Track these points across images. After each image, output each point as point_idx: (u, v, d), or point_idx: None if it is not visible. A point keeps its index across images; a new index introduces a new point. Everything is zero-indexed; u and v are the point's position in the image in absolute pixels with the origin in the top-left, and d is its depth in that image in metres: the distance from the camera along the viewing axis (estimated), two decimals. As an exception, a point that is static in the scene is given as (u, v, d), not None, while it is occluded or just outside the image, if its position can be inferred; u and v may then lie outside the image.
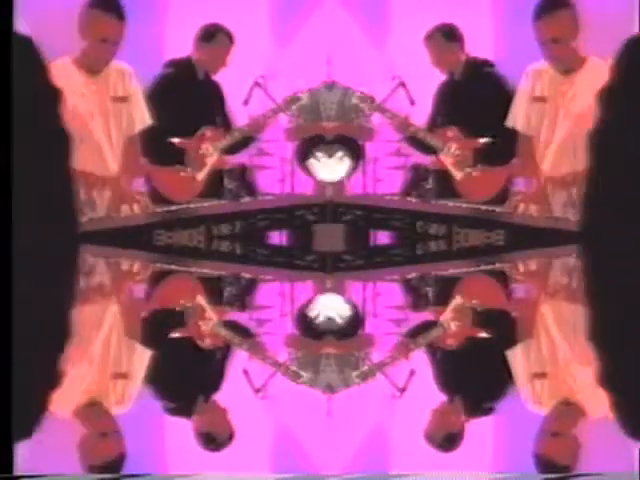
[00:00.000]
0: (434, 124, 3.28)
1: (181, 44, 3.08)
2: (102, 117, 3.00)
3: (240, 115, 3.08)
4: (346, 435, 2.49)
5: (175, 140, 3.00)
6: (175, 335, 2.76)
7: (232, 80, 3.11)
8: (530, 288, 3.23)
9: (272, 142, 3.04)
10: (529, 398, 2.67)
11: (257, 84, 3.03)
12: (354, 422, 2.55)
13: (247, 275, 3.04)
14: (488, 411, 2.65)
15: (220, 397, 2.70)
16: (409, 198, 3.13)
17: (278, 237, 3.01)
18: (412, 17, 3.33)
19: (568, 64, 3.46)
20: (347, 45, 3.17)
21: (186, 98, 3.05)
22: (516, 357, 2.83)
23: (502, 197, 3.26)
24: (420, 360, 2.87)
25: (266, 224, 2.97)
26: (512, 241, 3.27)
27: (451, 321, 3.01)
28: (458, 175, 3.19)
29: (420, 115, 3.30)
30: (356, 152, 3.13)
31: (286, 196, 2.98)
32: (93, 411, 2.52)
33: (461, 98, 3.31)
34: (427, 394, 2.73)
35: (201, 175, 3.01)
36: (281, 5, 3.24)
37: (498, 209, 3.23)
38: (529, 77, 3.39)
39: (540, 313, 3.07)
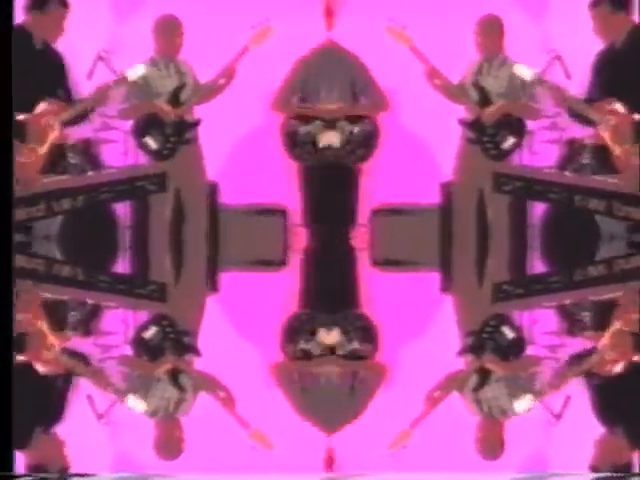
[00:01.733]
0: (593, 96, 3.12)
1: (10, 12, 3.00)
2: None
3: (83, 87, 3.06)
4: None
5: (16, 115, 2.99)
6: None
7: (74, 50, 3.06)
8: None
9: (114, 117, 3.06)
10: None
11: (100, 58, 3.04)
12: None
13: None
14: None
15: (61, 427, 2.95)
16: (565, 172, 3.08)
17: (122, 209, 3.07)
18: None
19: None
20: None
21: (24, 68, 3.03)
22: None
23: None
24: (575, 386, 3.00)
25: (109, 197, 3.05)
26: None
27: (610, 347, 3.03)
28: (617, 150, 3.07)
29: (577, 88, 3.16)
30: (519, 129, 3.08)
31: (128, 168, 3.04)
32: None
33: (622, 68, 3.13)
34: (585, 422, 2.93)
35: (42, 150, 3.02)
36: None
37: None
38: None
39: None
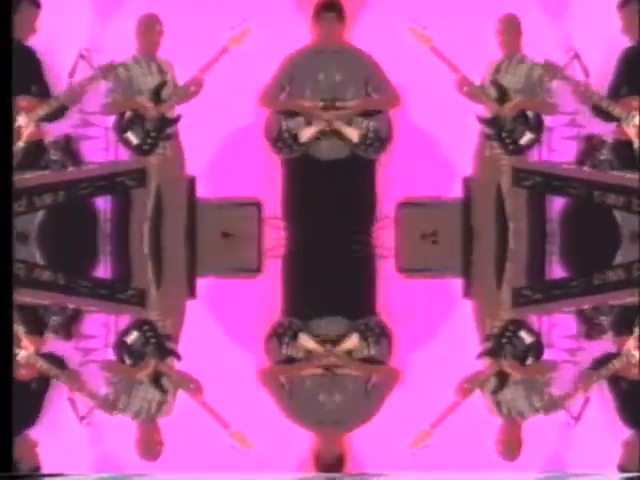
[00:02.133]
0: (617, 93, 3.14)
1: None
2: None
3: (59, 83, 3.08)
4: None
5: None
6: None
7: (52, 48, 3.08)
8: None
9: (94, 113, 3.10)
10: None
11: (82, 56, 3.07)
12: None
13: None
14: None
15: (36, 430, 3.03)
16: (584, 167, 3.10)
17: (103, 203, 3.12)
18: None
19: None
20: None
21: None
22: None
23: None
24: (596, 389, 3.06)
25: (89, 192, 3.10)
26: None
27: (634, 350, 3.05)
28: None
29: (599, 85, 3.19)
30: (537, 125, 3.12)
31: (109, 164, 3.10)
32: None
33: None
34: (604, 423, 2.99)
35: (17, 147, 3.04)
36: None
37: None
38: None
39: None
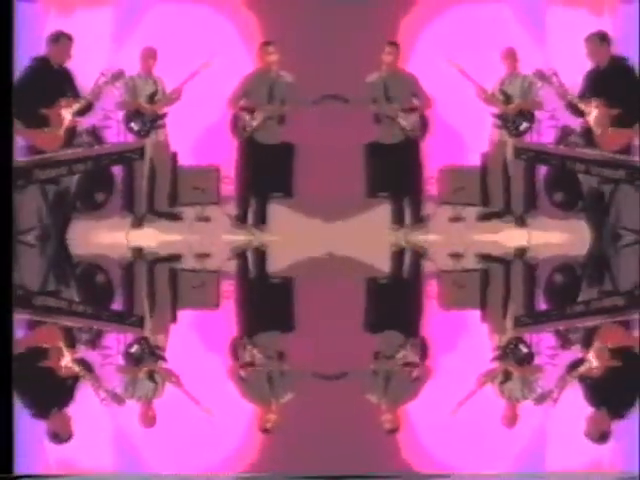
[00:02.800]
0: (583, 96, 4.23)
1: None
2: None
3: (86, 90, 4.15)
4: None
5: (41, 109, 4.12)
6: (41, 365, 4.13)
7: (80, 67, 4.14)
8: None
9: (110, 110, 4.16)
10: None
11: (102, 74, 4.10)
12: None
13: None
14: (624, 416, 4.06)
15: (70, 408, 4.06)
16: (560, 146, 4.24)
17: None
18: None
19: None
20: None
21: (46, 81, 4.12)
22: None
23: (628, 149, 4.27)
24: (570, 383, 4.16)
25: (107, 162, 4.16)
26: (631, 178, 4.27)
27: (594, 358, 4.18)
28: (598, 131, 4.22)
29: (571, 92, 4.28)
30: (531, 118, 4.26)
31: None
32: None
33: (603, 81, 4.26)
34: (574, 406, 4.06)
35: (60, 132, 4.09)
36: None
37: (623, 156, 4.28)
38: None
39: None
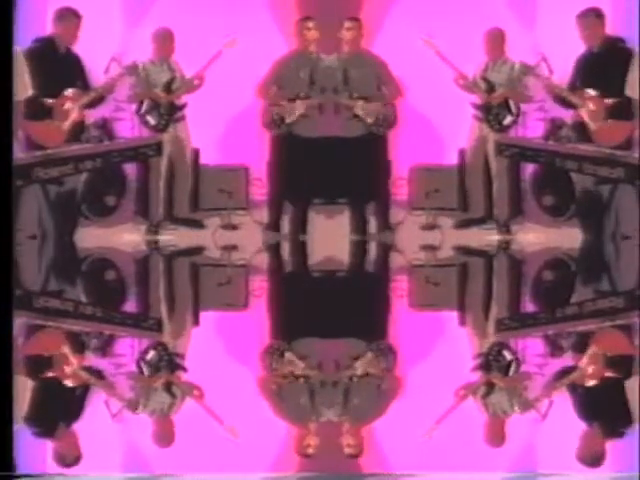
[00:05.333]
0: (574, 86, 3.84)
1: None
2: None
3: (97, 79, 3.82)
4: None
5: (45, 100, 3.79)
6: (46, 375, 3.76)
7: (89, 51, 3.81)
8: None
9: (123, 101, 3.84)
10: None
11: (113, 59, 3.77)
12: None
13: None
14: (622, 435, 3.69)
15: (78, 425, 3.73)
16: (549, 142, 3.88)
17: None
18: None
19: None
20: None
21: (52, 67, 3.79)
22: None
23: (628, 144, 3.83)
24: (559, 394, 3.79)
25: (119, 159, 3.83)
26: (631, 177, 3.80)
27: (588, 365, 3.78)
28: (593, 126, 3.82)
29: (561, 80, 3.88)
30: (516, 110, 3.88)
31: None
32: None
33: (598, 66, 3.86)
34: (564, 420, 3.71)
35: (65, 126, 3.77)
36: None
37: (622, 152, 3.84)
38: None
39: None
